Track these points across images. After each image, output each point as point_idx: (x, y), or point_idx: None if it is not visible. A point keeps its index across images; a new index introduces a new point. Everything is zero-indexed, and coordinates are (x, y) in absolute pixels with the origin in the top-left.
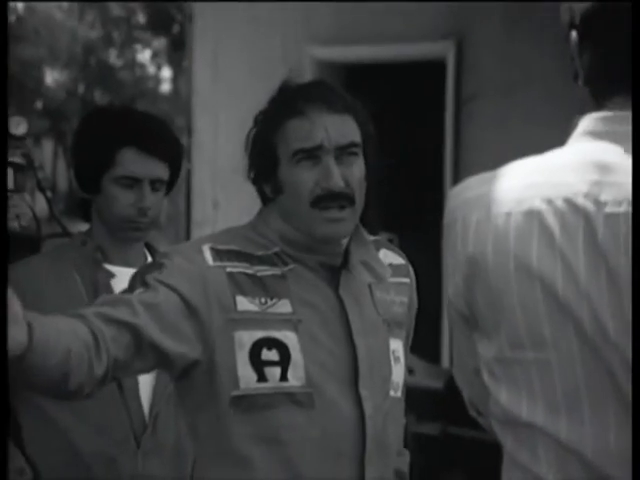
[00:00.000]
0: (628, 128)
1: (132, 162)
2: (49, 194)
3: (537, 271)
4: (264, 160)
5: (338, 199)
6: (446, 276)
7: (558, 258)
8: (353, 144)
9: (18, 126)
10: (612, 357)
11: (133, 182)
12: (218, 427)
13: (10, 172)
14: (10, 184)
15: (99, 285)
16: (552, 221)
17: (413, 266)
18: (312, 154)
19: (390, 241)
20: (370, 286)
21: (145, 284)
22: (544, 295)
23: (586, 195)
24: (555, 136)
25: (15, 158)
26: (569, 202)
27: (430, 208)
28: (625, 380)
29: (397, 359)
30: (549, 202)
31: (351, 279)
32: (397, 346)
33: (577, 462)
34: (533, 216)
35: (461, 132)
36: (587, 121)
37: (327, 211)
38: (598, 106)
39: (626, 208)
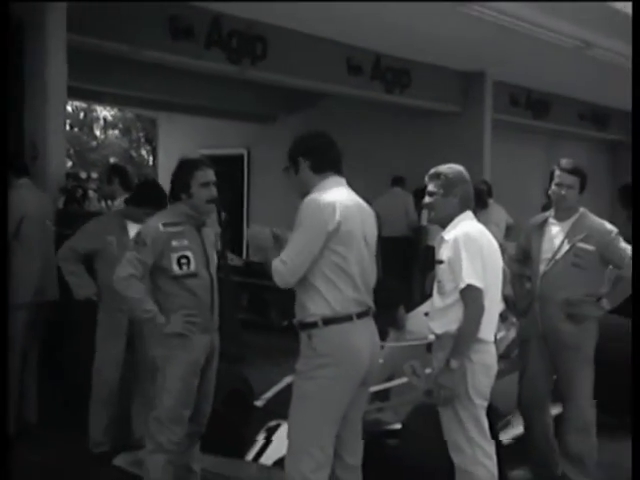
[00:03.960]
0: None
1: None
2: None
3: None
4: (185, 184)
5: (214, 202)
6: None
7: (360, 222)
8: (215, 181)
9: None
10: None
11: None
12: (171, 285)
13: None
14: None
15: None
16: (354, 209)
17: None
18: (206, 184)
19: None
20: (208, 231)
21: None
22: (360, 236)
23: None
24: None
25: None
26: (355, 204)
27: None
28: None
29: (215, 258)
30: (352, 202)
31: (206, 231)
32: (215, 254)
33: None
34: (348, 206)
35: (250, 191)
36: (330, 181)
37: (210, 205)
38: (320, 174)
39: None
